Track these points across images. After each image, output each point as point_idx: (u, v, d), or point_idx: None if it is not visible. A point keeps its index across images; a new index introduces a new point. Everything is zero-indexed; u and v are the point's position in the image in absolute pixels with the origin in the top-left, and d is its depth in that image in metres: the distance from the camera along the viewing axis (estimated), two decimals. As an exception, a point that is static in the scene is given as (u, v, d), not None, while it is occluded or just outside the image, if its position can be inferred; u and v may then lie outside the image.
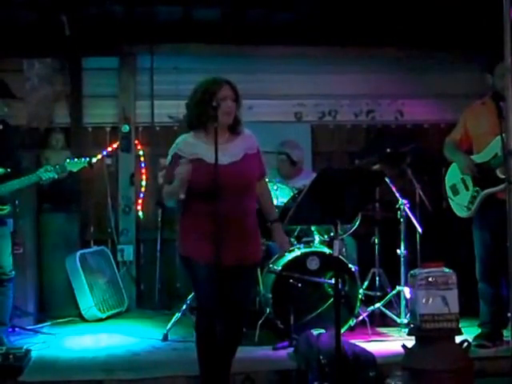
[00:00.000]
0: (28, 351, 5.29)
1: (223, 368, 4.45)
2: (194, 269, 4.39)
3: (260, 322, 5.96)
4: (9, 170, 5.65)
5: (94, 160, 5.90)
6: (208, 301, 4.31)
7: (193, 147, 4.33)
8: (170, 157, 4.44)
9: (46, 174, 5.62)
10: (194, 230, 4.36)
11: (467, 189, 5.78)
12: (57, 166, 5.69)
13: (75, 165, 5.76)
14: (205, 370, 4.41)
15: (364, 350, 5.08)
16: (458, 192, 5.86)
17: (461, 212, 5.87)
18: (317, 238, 6.31)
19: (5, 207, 5.69)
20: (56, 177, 5.66)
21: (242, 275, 4.40)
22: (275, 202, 6.18)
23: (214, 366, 4.35)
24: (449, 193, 5.97)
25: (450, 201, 5.98)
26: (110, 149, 7.87)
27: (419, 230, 6.42)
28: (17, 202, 6.32)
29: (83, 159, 5.80)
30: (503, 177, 5.10)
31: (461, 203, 5.83)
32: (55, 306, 7.09)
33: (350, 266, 6.04)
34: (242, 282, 4.44)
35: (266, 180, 4.73)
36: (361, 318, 6.12)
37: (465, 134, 5.90)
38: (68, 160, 5.78)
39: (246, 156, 4.42)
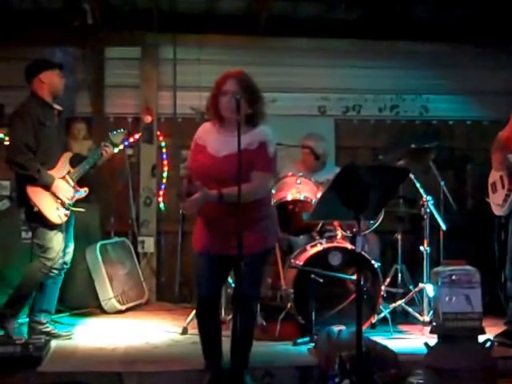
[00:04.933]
0: (47, 341, 5.29)
1: (239, 359, 4.48)
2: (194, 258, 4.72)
3: (281, 317, 5.96)
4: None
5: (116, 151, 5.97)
6: (201, 290, 4.60)
7: (206, 134, 4.57)
8: (193, 142, 4.65)
9: (107, 148, 5.89)
10: (198, 221, 4.64)
11: (503, 187, 5.74)
12: (105, 143, 5.92)
13: (117, 136, 5.98)
14: (205, 356, 4.70)
15: (385, 347, 5.03)
16: (496, 190, 5.83)
17: (496, 210, 5.84)
18: (339, 233, 6.25)
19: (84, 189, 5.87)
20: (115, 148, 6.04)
21: (239, 265, 4.38)
22: (298, 197, 6.15)
23: (213, 353, 4.66)
24: (489, 190, 5.92)
25: (487, 199, 5.95)
26: (131, 139, 7.84)
27: (443, 226, 6.35)
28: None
29: (120, 130, 6.02)
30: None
31: (495, 201, 5.80)
32: (75, 296, 7.05)
33: (372, 262, 5.98)
34: (243, 272, 4.37)
35: (265, 176, 4.47)
36: (382, 314, 6.06)
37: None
38: (110, 134, 5.97)
39: (244, 151, 4.34)
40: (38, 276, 5.65)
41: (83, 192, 5.84)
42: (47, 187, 5.56)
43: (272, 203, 4.75)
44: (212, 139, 4.51)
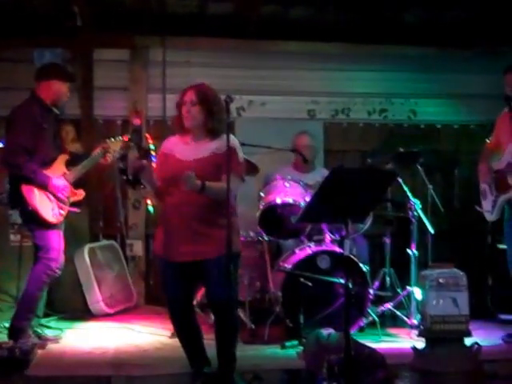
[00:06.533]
0: (34, 345, 5.27)
1: (225, 359, 4.54)
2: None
3: (269, 320, 5.95)
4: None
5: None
6: (167, 293, 4.70)
7: (173, 146, 4.72)
8: (159, 155, 4.83)
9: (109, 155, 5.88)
10: (160, 226, 4.75)
11: (491, 194, 5.83)
12: (105, 150, 5.89)
13: (115, 143, 5.92)
14: (189, 361, 4.78)
15: (373, 350, 5.02)
16: (486, 197, 5.91)
17: (487, 216, 5.91)
18: (328, 236, 6.25)
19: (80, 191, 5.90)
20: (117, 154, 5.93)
21: (204, 269, 4.54)
22: (288, 200, 6.15)
23: (195, 356, 4.75)
24: (481, 197, 5.99)
25: (477, 208, 6.00)
26: (120, 143, 7.81)
27: (430, 230, 6.37)
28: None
29: (119, 138, 6.00)
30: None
31: (485, 208, 5.88)
32: (63, 300, 7.01)
33: (360, 265, 5.99)
34: (207, 276, 4.55)
35: (235, 179, 4.48)
36: (371, 318, 6.06)
37: (497, 141, 5.93)
38: (109, 140, 5.93)
39: (212, 155, 4.58)
40: (44, 279, 5.60)
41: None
42: (44, 187, 5.55)
43: (237, 214, 4.73)
44: (180, 148, 4.67)
